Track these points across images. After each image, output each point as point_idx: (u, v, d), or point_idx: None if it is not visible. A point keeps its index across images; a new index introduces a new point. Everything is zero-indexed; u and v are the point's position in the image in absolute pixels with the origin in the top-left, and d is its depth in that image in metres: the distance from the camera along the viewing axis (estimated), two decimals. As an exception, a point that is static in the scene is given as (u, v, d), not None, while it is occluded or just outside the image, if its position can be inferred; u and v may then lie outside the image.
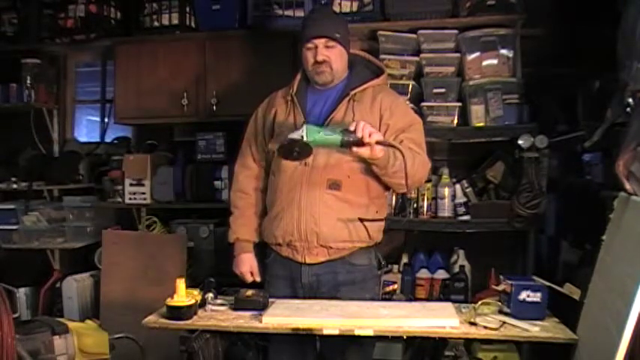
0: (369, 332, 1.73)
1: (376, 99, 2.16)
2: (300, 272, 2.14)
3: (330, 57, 2.14)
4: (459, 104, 2.89)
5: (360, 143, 1.86)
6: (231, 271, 2.31)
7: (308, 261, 2.12)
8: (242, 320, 1.83)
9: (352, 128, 1.86)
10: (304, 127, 1.85)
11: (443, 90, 2.90)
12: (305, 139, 1.83)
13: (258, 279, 2.28)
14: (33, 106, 3.61)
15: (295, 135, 1.84)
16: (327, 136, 1.86)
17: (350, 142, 1.86)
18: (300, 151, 1.87)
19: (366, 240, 2.14)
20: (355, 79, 2.20)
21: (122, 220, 3.55)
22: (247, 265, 2.27)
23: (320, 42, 2.13)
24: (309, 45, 2.15)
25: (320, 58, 2.13)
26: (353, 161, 2.06)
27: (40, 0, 3.61)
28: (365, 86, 2.18)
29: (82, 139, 4.11)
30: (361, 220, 2.11)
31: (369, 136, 1.84)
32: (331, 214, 2.07)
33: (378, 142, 1.87)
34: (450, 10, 2.94)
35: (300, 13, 3.14)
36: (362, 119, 2.06)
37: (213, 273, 2.82)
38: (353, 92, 2.15)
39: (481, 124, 2.86)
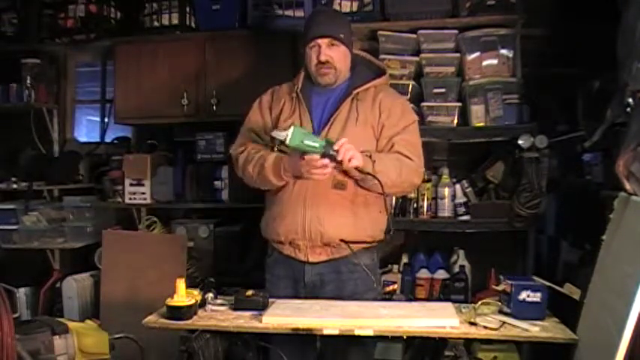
0: (369, 332, 1.73)
1: (377, 97, 2.17)
2: (302, 272, 2.13)
3: (333, 57, 2.14)
4: (459, 104, 2.89)
5: (338, 162, 1.90)
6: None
7: (311, 260, 2.12)
8: (242, 320, 1.83)
9: (336, 147, 1.88)
10: (291, 128, 1.87)
11: (443, 90, 2.89)
12: (287, 142, 1.86)
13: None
14: (33, 106, 3.60)
15: (280, 135, 1.88)
16: (308, 146, 1.88)
17: (329, 157, 1.90)
18: (279, 149, 1.91)
19: (369, 239, 2.14)
20: (358, 78, 2.21)
21: (122, 220, 3.54)
22: (296, 158, 1.97)
23: (324, 42, 2.13)
24: (313, 44, 2.15)
25: (323, 58, 2.13)
26: None
27: (40, 0, 3.61)
28: (368, 85, 2.18)
29: (82, 139, 4.11)
30: (365, 219, 2.12)
31: (349, 160, 1.89)
32: (336, 214, 2.08)
33: (356, 168, 1.93)
34: (450, 10, 2.94)
35: (300, 13, 3.14)
36: (365, 118, 2.11)
37: (213, 273, 2.83)
38: (356, 92, 2.15)
39: (481, 124, 2.86)
